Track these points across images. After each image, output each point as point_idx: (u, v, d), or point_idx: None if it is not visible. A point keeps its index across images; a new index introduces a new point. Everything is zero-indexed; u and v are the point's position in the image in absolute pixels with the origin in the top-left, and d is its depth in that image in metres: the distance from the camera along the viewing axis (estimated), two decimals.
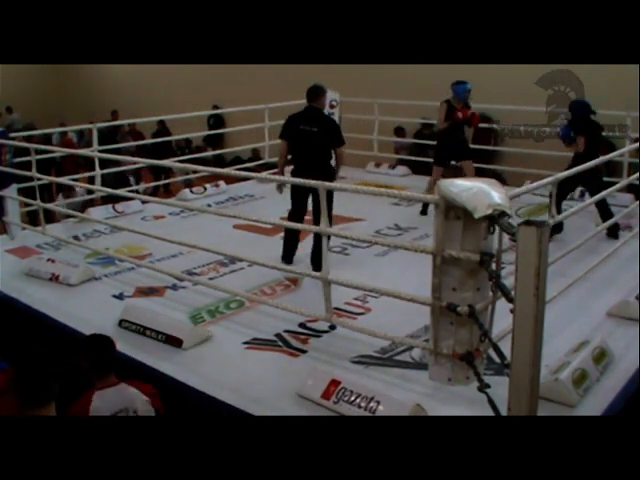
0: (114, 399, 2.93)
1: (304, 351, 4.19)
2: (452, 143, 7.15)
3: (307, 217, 6.60)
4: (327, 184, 4.37)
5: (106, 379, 2.99)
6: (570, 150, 6.31)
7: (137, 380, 3.14)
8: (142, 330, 4.42)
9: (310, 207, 5.75)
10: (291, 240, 5.67)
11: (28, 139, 7.72)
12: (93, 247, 6.21)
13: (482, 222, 3.12)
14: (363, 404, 3.42)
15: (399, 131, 10.52)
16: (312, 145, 5.55)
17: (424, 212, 7.09)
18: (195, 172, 9.00)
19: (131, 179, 9.79)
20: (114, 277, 5.55)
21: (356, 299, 4.81)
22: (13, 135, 7.32)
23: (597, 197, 5.34)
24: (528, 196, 7.05)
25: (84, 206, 7.91)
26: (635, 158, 7.06)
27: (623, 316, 4.44)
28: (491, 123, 9.13)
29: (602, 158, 5.43)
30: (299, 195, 5.64)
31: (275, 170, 9.31)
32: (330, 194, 5.12)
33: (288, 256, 5.64)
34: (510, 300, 2.83)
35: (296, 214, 5.68)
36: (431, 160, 7.55)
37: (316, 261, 5.22)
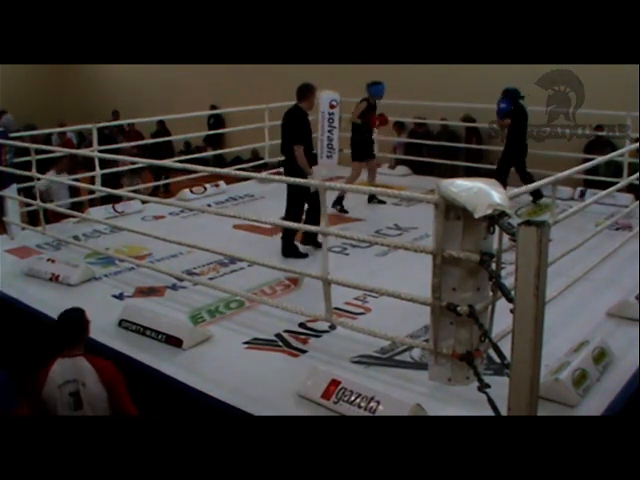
0: (67, 369, 3.14)
1: (304, 351, 4.19)
2: (367, 141, 7.67)
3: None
4: (327, 184, 4.37)
5: (73, 350, 3.21)
6: (502, 125, 7.32)
7: (100, 357, 3.30)
8: (142, 330, 4.42)
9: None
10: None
11: (28, 139, 7.69)
12: (93, 247, 6.21)
13: (482, 222, 3.12)
14: (363, 404, 3.42)
15: (399, 126, 10.51)
16: (282, 140, 6.01)
17: (342, 210, 7.33)
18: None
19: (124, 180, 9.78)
20: (114, 277, 5.55)
21: (356, 299, 4.81)
22: (12, 135, 7.29)
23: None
24: (528, 196, 7.08)
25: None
26: (635, 158, 7.06)
27: (623, 316, 4.44)
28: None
29: (602, 158, 5.43)
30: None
31: (275, 170, 9.39)
32: (295, 190, 5.61)
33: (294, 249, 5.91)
34: (510, 300, 2.83)
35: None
36: (426, 160, 7.81)
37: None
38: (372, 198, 7.59)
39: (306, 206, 5.94)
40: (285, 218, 5.76)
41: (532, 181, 6.45)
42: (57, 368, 3.16)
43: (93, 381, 3.11)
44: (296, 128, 5.89)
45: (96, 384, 3.11)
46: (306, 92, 5.96)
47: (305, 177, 5.72)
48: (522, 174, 7.26)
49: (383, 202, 7.62)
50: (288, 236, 5.88)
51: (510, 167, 7.29)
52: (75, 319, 3.32)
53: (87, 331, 3.34)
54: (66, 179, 7.26)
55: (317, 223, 5.56)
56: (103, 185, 7.22)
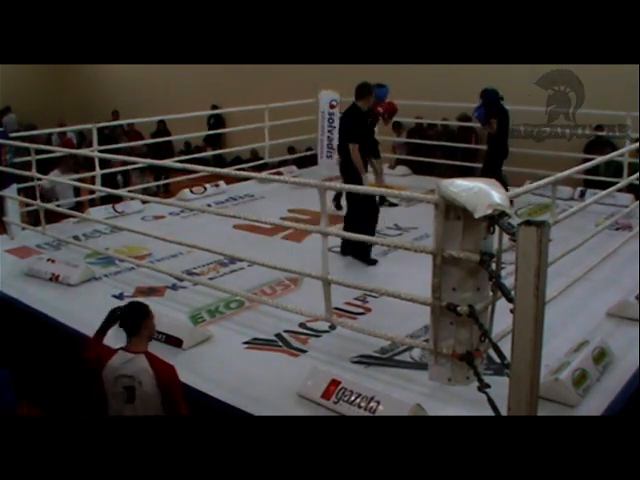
0: (126, 364, 3.12)
1: (304, 351, 4.19)
2: (371, 141, 7.40)
3: (306, 217, 6.65)
4: (327, 184, 4.37)
5: (135, 344, 3.17)
6: (487, 130, 7.32)
7: (163, 359, 3.21)
8: None
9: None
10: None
11: (28, 139, 7.70)
12: (93, 247, 6.21)
13: (482, 222, 3.12)
14: (363, 404, 3.42)
15: (397, 126, 10.50)
16: (339, 140, 6.02)
17: (338, 206, 7.23)
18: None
19: (119, 178, 9.79)
20: (114, 277, 5.55)
21: (356, 299, 4.80)
22: (12, 135, 7.30)
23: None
24: (528, 196, 7.07)
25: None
26: (635, 158, 7.06)
27: (623, 316, 4.44)
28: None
29: (602, 158, 5.43)
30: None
31: (275, 170, 9.41)
32: (357, 196, 5.43)
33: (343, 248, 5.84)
34: (510, 300, 2.83)
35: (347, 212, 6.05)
36: (431, 160, 7.70)
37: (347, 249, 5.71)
38: (383, 201, 7.51)
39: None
40: (355, 226, 5.51)
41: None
42: (116, 360, 3.14)
43: (149, 382, 3.06)
44: (353, 126, 5.82)
45: (152, 385, 3.06)
46: (365, 91, 5.86)
47: (360, 178, 5.65)
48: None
49: (395, 204, 7.51)
50: (362, 245, 5.58)
51: (497, 169, 7.08)
52: (130, 311, 3.28)
53: (145, 326, 3.22)
54: (67, 179, 7.27)
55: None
56: (103, 185, 7.23)
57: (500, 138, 7.17)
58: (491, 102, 7.14)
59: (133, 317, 3.21)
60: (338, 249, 5.88)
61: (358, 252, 5.65)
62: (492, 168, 7.11)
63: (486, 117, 7.19)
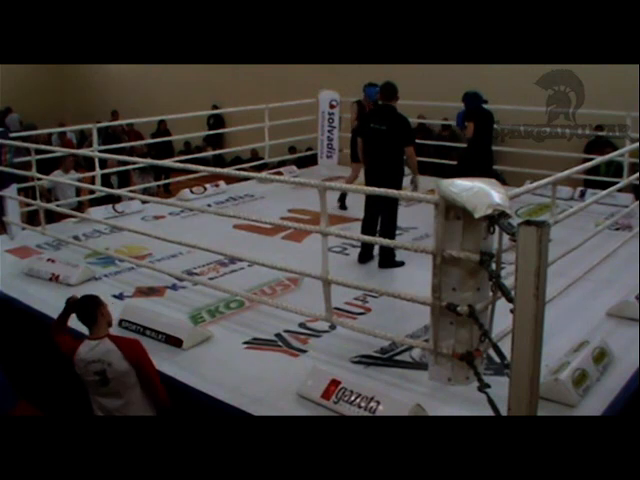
0: (93, 350, 3.31)
1: (304, 351, 4.19)
2: None
3: (306, 217, 6.66)
4: (327, 184, 4.36)
5: (96, 332, 3.37)
6: (464, 133, 7.12)
7: (125, 337, 3.48)
8: (142, 330, 4.42)
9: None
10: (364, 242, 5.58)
11: (28, 139, 7.71)
12: (93, 247, 6.20)
13: (482, 222, 3.12)
14: (363, 404, 3.42)
15: None
16: (380, 143, 5.59)
17: (343, 207, 7.28)
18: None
19: (113, 179, 9.79)
20: (114, 277, 5.55)
21: (356, 299, 4.80)
22: (12, 135, 7.31)
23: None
24: (528, 196, 7.07)
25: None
26: (635, 158, 7.07)
27: (623, 316, 4.44)
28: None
29: (602, 158, 5.43)
30: (368, 198, 5.75)
31: (275, 170, 9.41)
32: (390, 201, 5.34)
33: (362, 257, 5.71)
34: (510, 300, 2.83)
35: (367, 217, 5.80)
36: (435, 160, 7.69)
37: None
38: None
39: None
40: (385, 231, 5.52)
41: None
42: (83, 349, 3.33)
43: (118, 359, 3.24)
44: (408, 129, 5.62)
45: (121, 362, 3.25)
46: (395, 91, 5.64)
47: (401, 184, 5.51)
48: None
49: None
50: (390, 250, 5.50)
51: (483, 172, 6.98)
52: (83, 305, 3.48)
53: (101, 314, 3.42)
54: (69, 179, 7.28)
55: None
56: (103, 185, 7.24)
57: (479, 141, 6.91)
58: (471, 105, 6.98)
59: (87, 309, 3.41)
60: (339, 249, 5.89)
61: (388, 258, 5.49)
62: (474, 171, 6.94)
63: (462, 120, 7.07)
